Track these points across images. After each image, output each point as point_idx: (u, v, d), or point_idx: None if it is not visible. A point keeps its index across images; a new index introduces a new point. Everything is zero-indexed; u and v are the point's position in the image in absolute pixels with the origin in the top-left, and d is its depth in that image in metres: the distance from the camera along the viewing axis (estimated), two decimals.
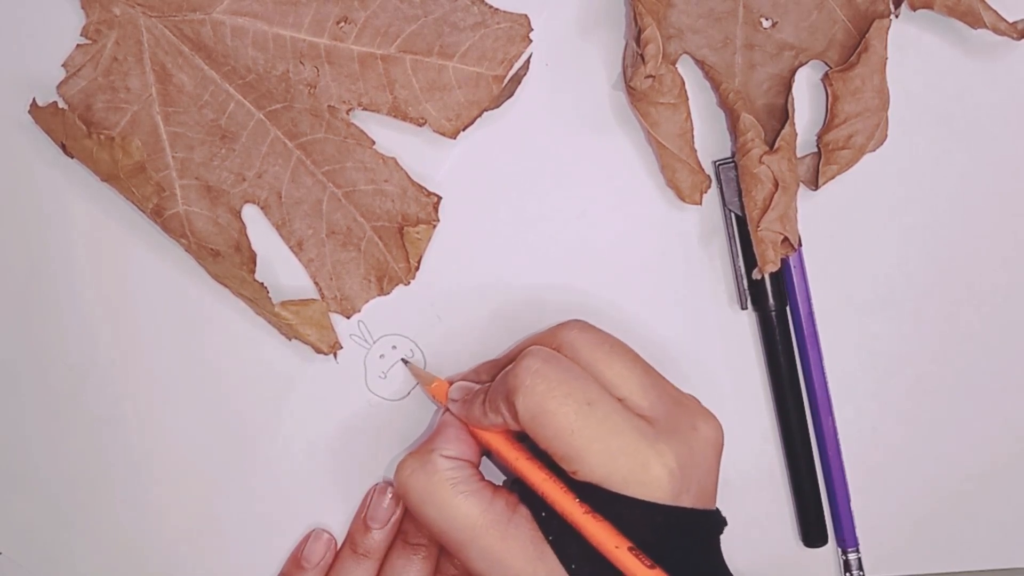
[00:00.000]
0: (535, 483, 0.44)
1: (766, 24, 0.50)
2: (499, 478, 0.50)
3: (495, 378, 0.46)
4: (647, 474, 0.42)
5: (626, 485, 0.42)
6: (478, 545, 0.43)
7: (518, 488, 0.46)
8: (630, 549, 0.42)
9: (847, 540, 0.51)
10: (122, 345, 0.51)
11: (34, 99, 0.49)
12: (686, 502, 0.43)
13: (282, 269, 0.50)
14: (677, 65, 0.49)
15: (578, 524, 0.43)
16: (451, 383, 0.49)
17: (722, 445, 0.46)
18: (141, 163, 0.48)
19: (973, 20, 0.48)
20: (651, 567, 0.41)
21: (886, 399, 0.52)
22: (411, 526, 0.50)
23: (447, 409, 0.48)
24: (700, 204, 0.50)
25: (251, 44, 0.49)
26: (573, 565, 0.43)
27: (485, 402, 0.45)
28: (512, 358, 0.46)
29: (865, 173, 0.50)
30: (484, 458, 0.49)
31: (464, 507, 0.44)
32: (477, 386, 0.47)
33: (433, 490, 0.45)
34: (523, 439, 0.46)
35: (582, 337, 0.46)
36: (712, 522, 0.44)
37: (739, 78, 0.50)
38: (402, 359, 0.51)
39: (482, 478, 0.46)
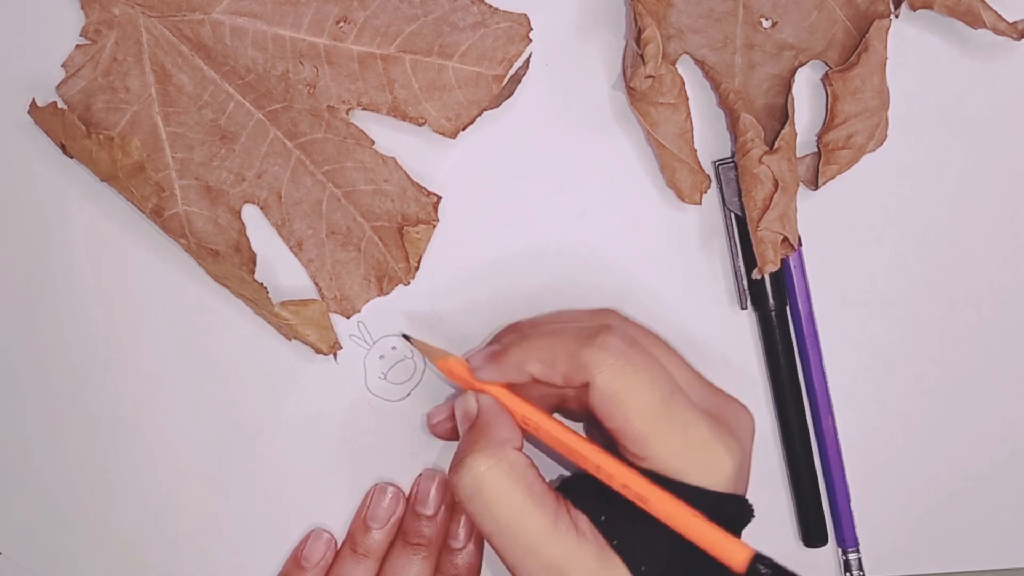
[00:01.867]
0: (604, 467, 0.42)
1: (766, 24, 0.50)
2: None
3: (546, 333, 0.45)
4: (718, 465, 0.42)
5: (698, 475, 0.42)
6: (543, 555, 0.41)
7: (568, 493, 0.44)
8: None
9: (847, 540, 0.51)
10: (122, 345, 0.51)
11: (34, 99, 0.49)
12: (740, 492, 0.44)
13: (282, 269, 0.50)
14: (677, 65, 0.49)
15: (647, 499, 0.41)
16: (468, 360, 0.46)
17: (755, 433, 0.46)
18: (140, 163, 0.48)
19: (973, 20, 0.48)
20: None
21: (886, 399, 0.52)
22: (411, 526, 0.50)
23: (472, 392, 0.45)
24: (700, 204, 0.50)
25: (251, 44, 0.49)
26: (643, 567, 0.41)
27: (531, 352, 0.44)
28: (539, 324, 0.45)
29: (865, 173, 0.50)
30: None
31: (537, 514, 0.41)
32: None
33: (510, 492, 0.41)
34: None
35: (627, 327, 0.45)
36: (749, 511, 0.45)
37: (739, 78, 0.50)
38: (403, 334, 0.49)
39: (545, 481, 0.43)
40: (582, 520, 0.42)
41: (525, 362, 0.44)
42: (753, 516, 0.45)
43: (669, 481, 0.42)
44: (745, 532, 0.44)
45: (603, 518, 0.42)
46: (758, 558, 0.41)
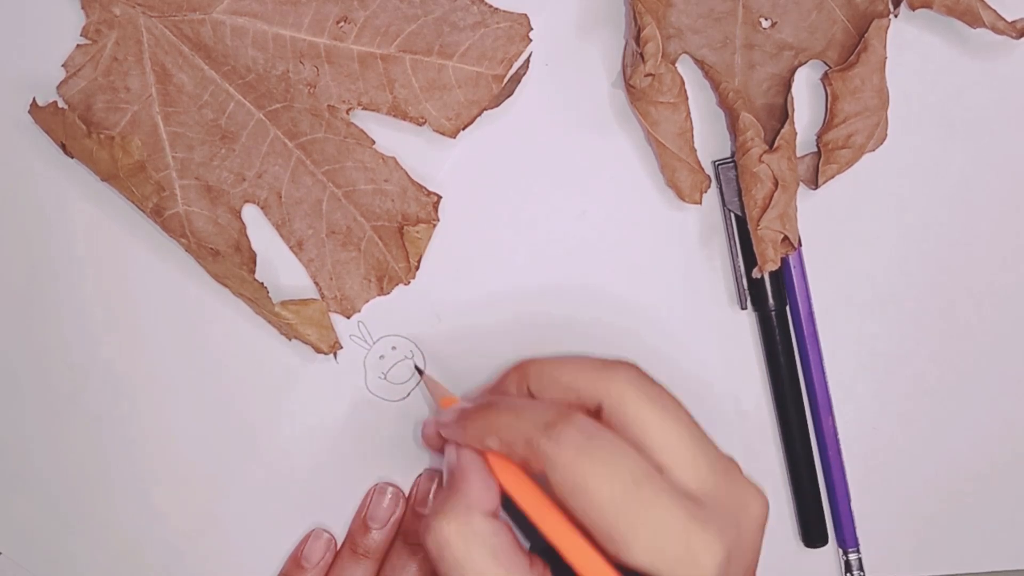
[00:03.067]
0: (575, 557, 0.40)
1: (766, 24, 0.50)
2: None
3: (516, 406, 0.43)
4: (696, 566, 0.39)
5: (672, 572, 0.39)
6: None
7: (547, 558, 0.42)
8: None
9: (848, 540, 0.51)
10: (122, 345, 0.51)
11: (34, 99, 0.49)
12: None
13: (282, 269, 0.50)
14: (677, 65, 0.49)
15: None
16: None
17: (766, 521, 0.42)
18: (141, 163, 0.48)
19: (972, 19, 0.48)
20: None
21: (886, 399, 0.52)
22: (412, 526, 0.50)
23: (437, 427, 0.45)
24: (700, 204, 0.50)
25: (251, 44, 0.49)
26: None
27: (491, 428, 0.42)
28: (549, 371, 0.43)
29: (865, 173, 0.50)
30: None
31: None
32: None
33: (474, 560, 0.40)
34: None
35: (633, 391, 0.41)
36: None
37: (739, 78, 0.50)
38: (416, 368, 0.51)
39: (519, 544, 0.42)
40: None
41: (484, 436, 0.42)
42: None
43: None
44: None
45: None
46: None
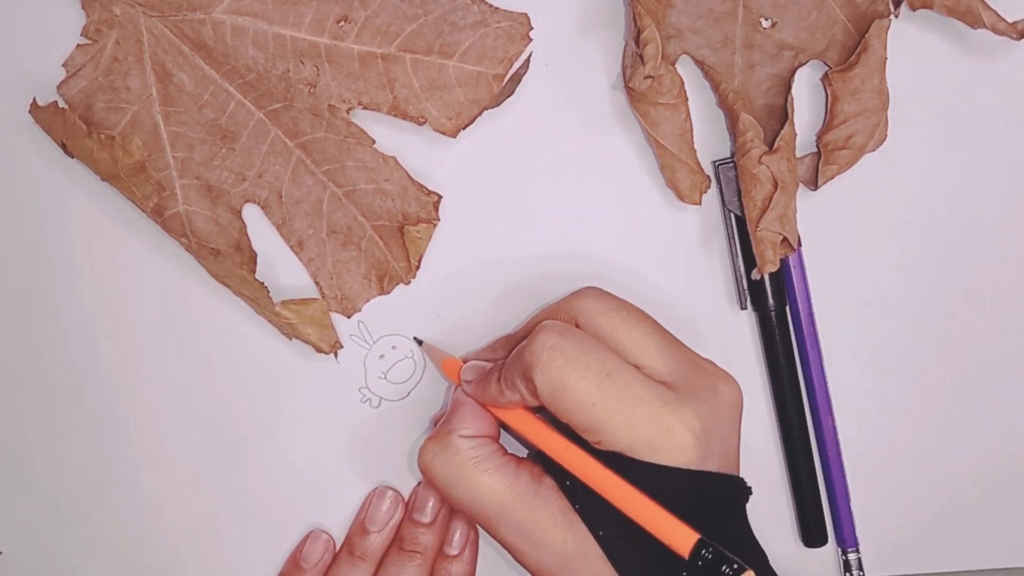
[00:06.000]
0: (556, 453, 0.44)
1: (766, 24, 0.50)
2: (521, 450, 0.50)
3: (510, 354, 0.46)
4: (672, 439, 0.42)
5: (651, 452, 0.42)
6: (507, 520, 0.44)
7: (541, 459, 0.46)
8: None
9: (847, 540, 0.51)
10: (122, 345, 0.51)
11: (34, 99, 0.49)
12: (711, 466, 0.43)
13: (282, 268, 0.50)
14: (677, 65, 0.49)
15: (603, 488, 0.43)
16: (465, 362, 0.49)
17: (742, 407, 0.46)
18: (141, 162, 0.48)
19: (972, 20, 0.48)
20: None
21: (886, 399, 0.52)
22: (408, 533, 0.50)
23: (460, 387, 0.48)
24: (700, 204, 0.50)
25: (251, 43, 0.49)
26: (601, 532, 0.43)
27: (500, 380, 0.45)
28: (528, 332, 0.46)
29: (865, 173, 0.50)
30: (505, 432, 0.49)
31: (490, 484, 0.44)
32: (489, 365, 0.47)
33: (457, 471, 0.45)
34: (540, 412, 0.46)
35: (599, 305, 0.46)
36: (737, 488, 0.44)
37: (739, 78, 0.50)
38: (414, 338, 0.51)
39: (504, 452, 0.46)
40: (548, 484, 0.44)
41: (501, 394, 0.45)
42: (749, 493, 0.45)
43: (629, 461, 0.43)
44: None
45: (568, 483, 0.44)
46: (702, 543, 0.41)
